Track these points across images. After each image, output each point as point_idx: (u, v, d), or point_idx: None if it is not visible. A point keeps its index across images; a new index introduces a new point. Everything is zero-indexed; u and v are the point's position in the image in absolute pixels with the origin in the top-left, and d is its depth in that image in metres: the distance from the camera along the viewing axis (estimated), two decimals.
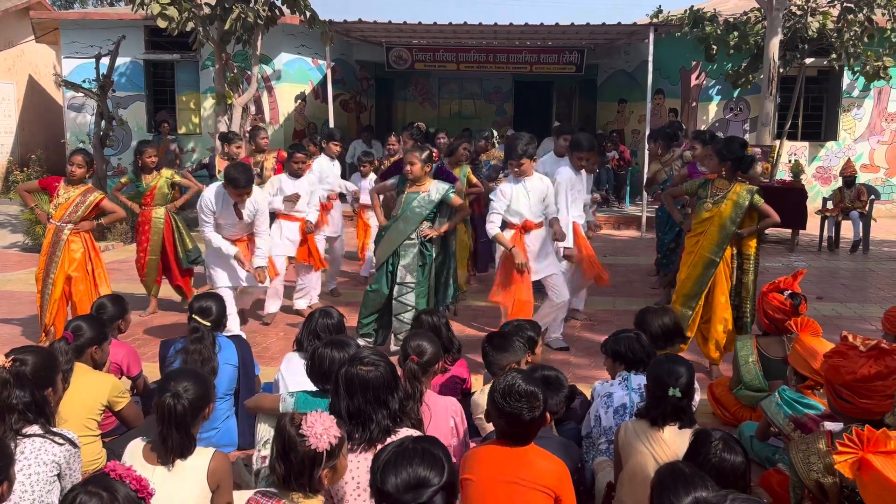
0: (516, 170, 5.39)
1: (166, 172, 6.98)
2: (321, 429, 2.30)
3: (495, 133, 8.82)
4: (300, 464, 2.28)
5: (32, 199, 6.32)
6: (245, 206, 5.63)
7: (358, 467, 2.64)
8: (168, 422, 2.68)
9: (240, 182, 5.43)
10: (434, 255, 5.54)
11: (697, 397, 3.44)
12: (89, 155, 6.03)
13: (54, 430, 2.90)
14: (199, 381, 2.86)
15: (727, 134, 13.82)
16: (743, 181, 5.26)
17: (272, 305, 6.70)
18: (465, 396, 4.13)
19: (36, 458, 2.77)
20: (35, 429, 2.85)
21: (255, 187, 5.69)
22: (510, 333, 3.79)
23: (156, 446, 2.74)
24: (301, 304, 6.99)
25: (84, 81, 12.01)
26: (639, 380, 3.51)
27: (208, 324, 3.98)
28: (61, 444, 2.83)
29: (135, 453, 2.76)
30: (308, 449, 2.28)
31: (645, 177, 8.38)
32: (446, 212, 5.54)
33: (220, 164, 7.73)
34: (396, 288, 5.42)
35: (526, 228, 5.44)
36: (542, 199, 5.48)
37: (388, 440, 2.70)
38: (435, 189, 5.45)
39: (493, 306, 7.22)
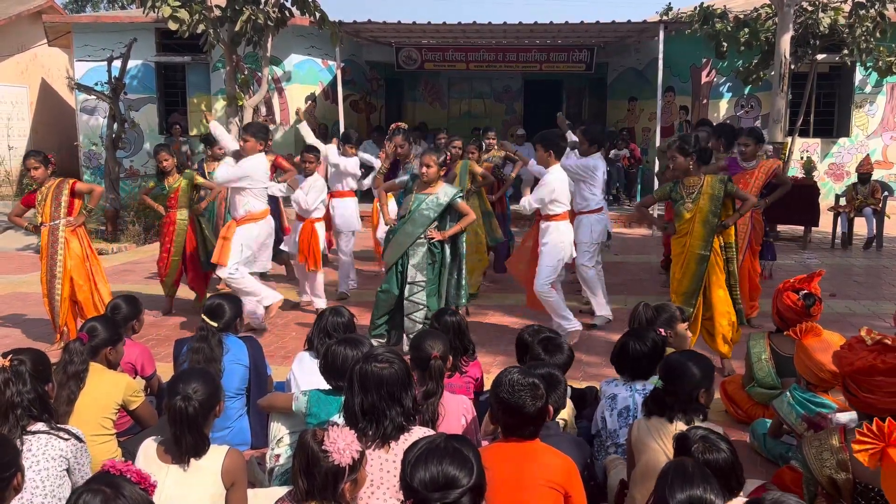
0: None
1: (188, 173, 7.06)
2: (343, 444, 2.31)
3: (490, 133, 8.82)
4: (324, 479, 2.29)
5: (24, 220, 6.25)
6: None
7: (371, 465, 2.65)
8: (180, 424, 2.70)
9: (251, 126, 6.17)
10: (445, 254, 5.57)
11: None
12: (42, 154, 6.02)
13: (59, 426, 2.94)
14: (208, 380, 2.88)
15: None
16: (709, 173, 5.36)
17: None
18: (477, 396, 4.15)
19: (43, 453, 2.81)
20: (40, 426, 2.88)
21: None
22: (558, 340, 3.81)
23: (169, 447, 2.76)
24: (320, 303, 7.01)
25: (96, 84, 12.09)
26: (643, 381, 3.52)
27: (215, 324, 4.02)
28: (67, 439, 2.87)
29: (148, 453, 2.78)
30: (331, 464, 2.29)
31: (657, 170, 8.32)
32: (455, 215, 5.58)
33: (210, 167, 7.76)
34: (407, 287, 5.44)
35: (537, 216, 5.98)
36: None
37: (402, 438, 2.71)
38: (444, 192, 5.51)
39: (505, 305, 7.27)
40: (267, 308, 6.34)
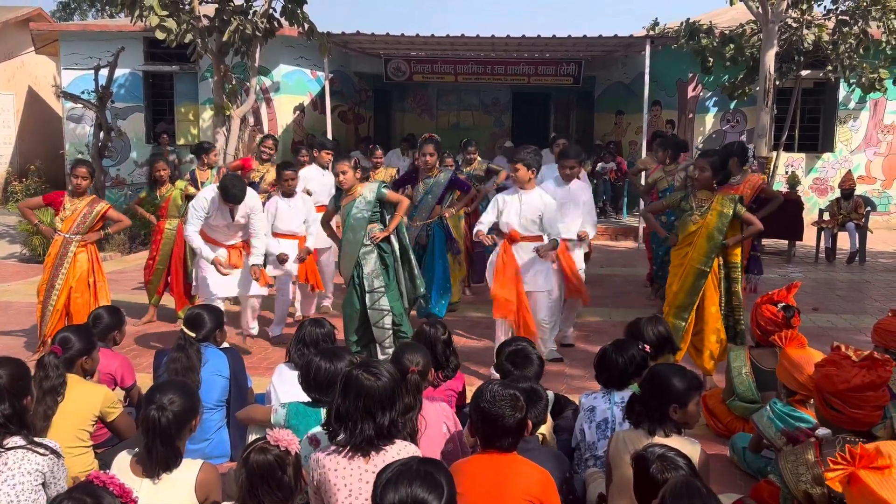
0: (513, 174, 5.57)
1: (180, 184, 7.05)
2: (287, 435, 2.52)
3: (471, 148, 8.80)
4: (269, 474, 2.47)
5: (35, 215, 6.29)
6: (238, 209, 5.66)
7: (350, 474, 2.65)
8: (153, 434, 2.69)
9: (230, 195, 5.47)
10: (395, 252, 5.55)
11: None
12: (92, 166, 6.09)
13: (37, 440, 2.90)
14: (186, 393, 2.86)
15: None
16: (722, 191, 5.37)
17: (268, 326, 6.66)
18: (459, 409, 4.13)
19: (19, 468, 2.77)
20: (17, 440, 2.84)
21: (248, 190, 5.72)
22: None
23: (141, 459, 2.74)
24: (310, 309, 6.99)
25: (83, 93, 12.06)
26: (621, 393, 3.54)
27: (194, 335, 4.00)
28: (44, 455, 2.83)
29: (122, 466, 2.76)
30: (269, 458, 2.48)
31: (644, 181, 8.38)
32: (390, 209, 5.56)
33: (202, 176, 7.70)
34: (368, 297, 5.41)
35: (512, 239, 5.51)
36: (536, 215, 5.49)
37: (383, 450, 2.69)
38: (368, 190, 5.50)
39: (488, 318, 7.25)
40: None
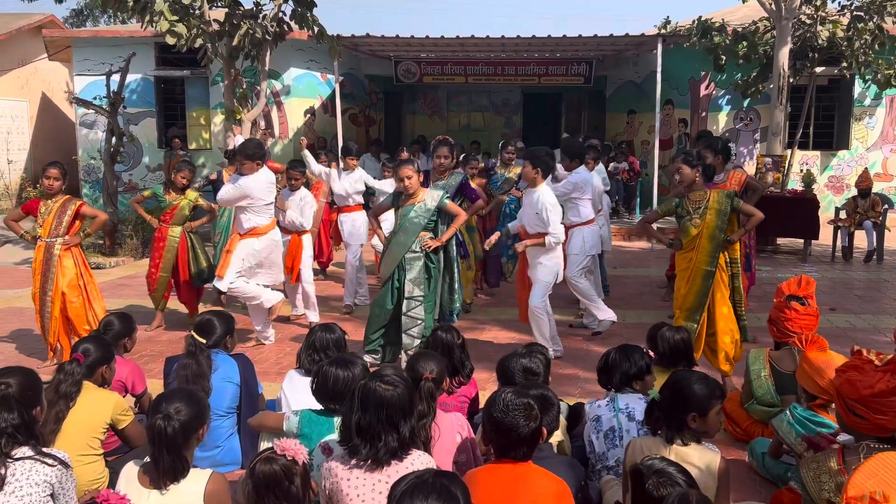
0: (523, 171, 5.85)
1: (191, 195, 7.02)
2: (293, 445, 2.51)
3: (510, 148, 8.76)
4: (276, 484, 2.45)
5: (20, 227, 6.17)
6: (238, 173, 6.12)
7: (363, 484, 2.62)
8: (159, 444, 2.66)
9: (242, 145, 6.21)
10: (440, 263, 5.54)
11: None
12: (64, 167, 6.01)
13: (45, 450, 2.87)
14: (193, 401, 2.82)
15: (738, 144, 13.79)
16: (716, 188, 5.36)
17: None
18: (471, 416, 4.08)
19: (27, 479, 2.74)
20: (25, 451, 2.81)
21: (259, 178, 6.02)
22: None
23: (148, 469, 2.71)
24: (313, 316, 6.99)
25: (95, 98, 12.09)
26: (625, 399, 3.48)
27: (203, 340, 3.98)
28: (53, 466, 2.80)
29: (130, 477, 2.73)
30: (275, 468, 2.47)
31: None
32: (446, 219, 5.55)
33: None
34: (405, 303, 5.38)
35: (520, 234, 5.85)
36: (533, 212, 5.66)
37: (397, 463, 2.66)
38: (430, 197, 5.49)
39: (501, 320, 7.23)
40: (269, 310, 6.30)
